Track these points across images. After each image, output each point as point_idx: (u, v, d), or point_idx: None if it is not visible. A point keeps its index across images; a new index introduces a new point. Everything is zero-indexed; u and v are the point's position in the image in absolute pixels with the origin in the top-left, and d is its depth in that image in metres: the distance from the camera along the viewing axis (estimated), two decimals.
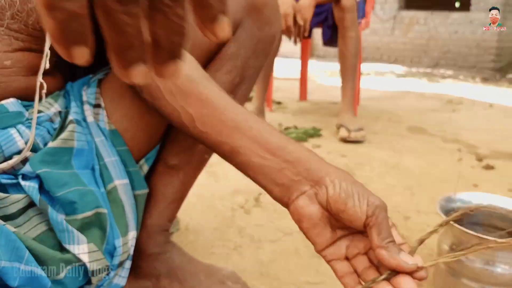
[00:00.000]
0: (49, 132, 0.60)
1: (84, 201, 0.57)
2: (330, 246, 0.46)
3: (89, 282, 0.58)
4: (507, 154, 1.62)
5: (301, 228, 0.47)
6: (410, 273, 0.42)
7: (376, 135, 1.86)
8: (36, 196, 0.54)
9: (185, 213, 1.12)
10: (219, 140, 0.50)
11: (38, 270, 0.51)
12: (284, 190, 0.47)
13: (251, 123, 0.50)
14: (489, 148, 1.69)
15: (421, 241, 0.48)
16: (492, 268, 0.64)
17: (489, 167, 1.45)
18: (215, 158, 1.67)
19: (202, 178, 1.40)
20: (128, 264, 0.67)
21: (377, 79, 3.88)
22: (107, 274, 0.62)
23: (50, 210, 0.54)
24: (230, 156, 0.50)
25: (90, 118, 0.65)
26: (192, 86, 0.53)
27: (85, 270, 0.56)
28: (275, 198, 0.48)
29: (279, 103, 2.50)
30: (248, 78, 0.73)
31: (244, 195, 1.24)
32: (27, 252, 0.50)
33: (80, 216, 0.56)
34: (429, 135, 1.89)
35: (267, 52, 0.75)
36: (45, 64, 0.59)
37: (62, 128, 0.62)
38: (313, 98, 2.72)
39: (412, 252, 0.45)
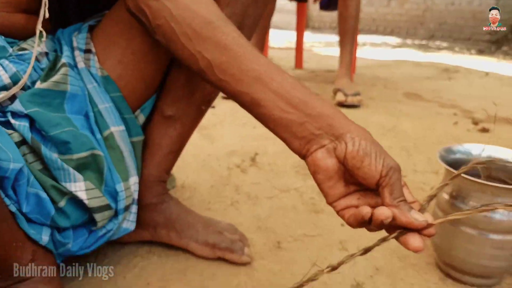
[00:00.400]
0: (35, 70, 0.58)
1: (79, 142, 0.56)
2: (341, 199, 0.47)
3: (94, 221, 0.58)
4: (503, 119, 1.62)
5: (315, 180, 0.47)
6: (420, 230, 0.43)
7: (372, 100, 1.85)
8: (28, 135, 0.53)
9: (180, 172, 1.11)
10: (239, 90, 0.48)
11: (43, 194, 0.51)
12: (304, 143, 0.47)
13: (273, 74, 0.48)
14: (485, 113, 1.69)
15: (431, 198, 0.48)
16: (491, 214, 0.64)
17: (485, 130, 1.45)
18: (209, 121, 1.65)
19: (197, 140, 1.39)
20: (134, 209, 0.66)
21: (373, 50, 3.85)
22: (115, 217, 0.61)
23: (43, 148, 0.52)
24: (250, 107, 0.49)
25: (81, 64, 0.63)
26: (209, 30, 0.50)
27: (87, 207, 0.56)
28: (293, 149, 0.48)
29: None
30: (247, 27, 0.71)
31: (240, 155, 1.23)
32: (32, 176, 0.50)
33: (75, 156, 0.55)
34: (425, 101, 1.88)
35: (266, 0, 0.72)
36: (45, 13, 0.57)
37: (51, 70, 0.60)
38: (309, 66, 2.69)
39: (422, 210, 0.45)
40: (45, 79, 0.58)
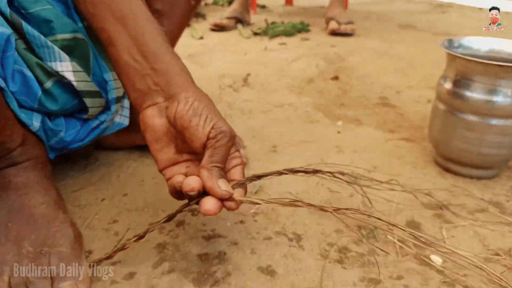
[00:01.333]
0: None
1: (61, 22, 0.52)
2: (171, 166, 0.45)
3: (85, 109, 0.55)
4: None
5: (146, 141, 0.45)
6: (221, 199, 0.42)
7: (366, 31, 1.80)
8: (6, 9, 0.48)
9: None
10: (101, 27, 0.45)
11: (28, 72, 0.48)
12: (140, 97, 0.44)
13: (140, 20, 0.45)
14: None
15: (254, 178, 0.47)
16: (492, 98, 0.62)
17: None
18: (198, 50, 1.59)
19: (186, 65, 1.35)
20: (127, 104, 0.64)
21: None
22: (108, 109, 0.58)
23: (24, 24, 0.48)
24: (106, 46, 0.46)
25: None
26: None
27: (75, 91, 0.52)
28: (131, 101, 0.46)
29: (263, 6, 2.38)
30: None
31: (231, 77, 1.20)
32: (16, 52, 0.46)
33: (59, 36, 0.51)
34: (419, 31, 1.83)
35: None
36: None
37: None
38: (299, 4, 2.60)
39: (241, 184, 0.45)
40: None
